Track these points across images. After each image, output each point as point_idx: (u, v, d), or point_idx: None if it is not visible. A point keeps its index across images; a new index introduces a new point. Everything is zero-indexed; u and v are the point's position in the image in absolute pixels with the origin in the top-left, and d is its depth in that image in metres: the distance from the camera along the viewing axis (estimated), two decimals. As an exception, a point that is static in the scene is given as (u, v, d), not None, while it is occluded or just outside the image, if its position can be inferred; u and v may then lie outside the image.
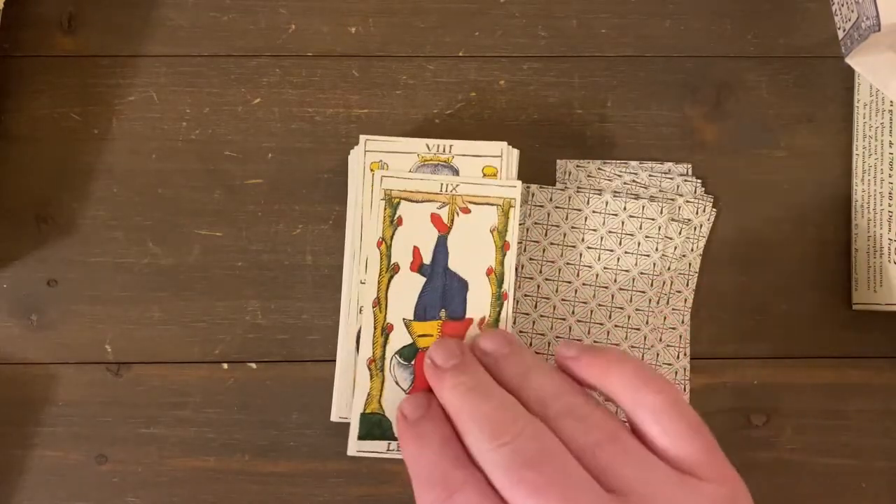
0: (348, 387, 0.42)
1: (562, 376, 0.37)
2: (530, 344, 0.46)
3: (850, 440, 0.47)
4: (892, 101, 0.46)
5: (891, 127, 0.46)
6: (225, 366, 0.46)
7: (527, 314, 0.46)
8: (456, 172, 0.43)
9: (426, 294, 0.41)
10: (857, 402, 0.47)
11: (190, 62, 0.47)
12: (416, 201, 0.41)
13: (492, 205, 0.42)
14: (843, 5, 0.46)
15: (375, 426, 0.41)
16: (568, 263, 0.46)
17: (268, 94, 0.47)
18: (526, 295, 0.45)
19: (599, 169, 0.47)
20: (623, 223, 0.46)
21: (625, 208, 0.46)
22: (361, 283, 0.43)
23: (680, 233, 0.46)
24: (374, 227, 0.41)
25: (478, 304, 0.41)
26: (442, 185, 0.42)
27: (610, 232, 0.46)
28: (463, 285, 0.41)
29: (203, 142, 0.47)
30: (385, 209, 0.41)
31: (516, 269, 0.42)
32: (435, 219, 0.41)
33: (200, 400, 0.46)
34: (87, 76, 0.47)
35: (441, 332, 0.40)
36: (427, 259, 0.41)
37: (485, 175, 0.43)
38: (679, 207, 0.46)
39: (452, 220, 0.41)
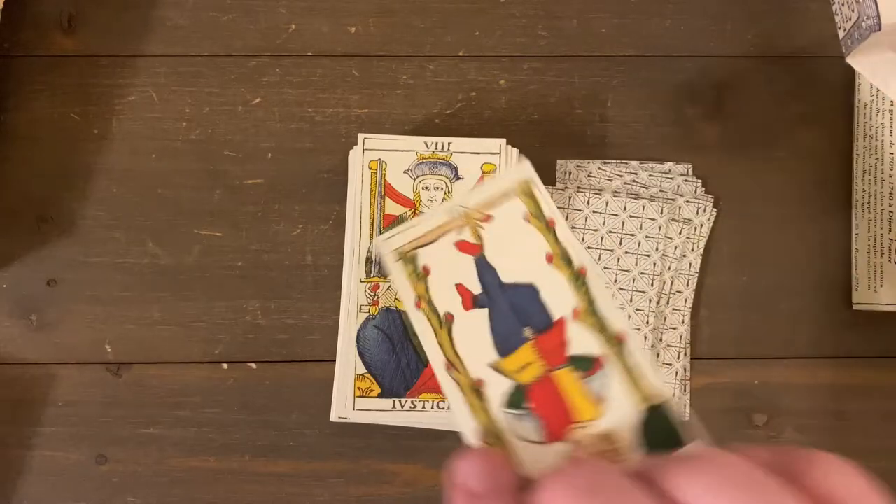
0: (348, 387, 0.42)
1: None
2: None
3: (850, 440, 0.47)
4: (892, 101, 0.46)
5: (891, 127, 0.46)
6: (225, 366, 0.46)
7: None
8: (455, 170, 0.43)
9: (497, 323, 0.34)
10: (858, 402, 0.47)
11: (190, 62, 0.47)
12: (432, 242, 0.36)
13: (510, 196, 0.36)
14: (843, 5, 0.46)
15: None
16: (568, 263, 0.46)
17: (268, 94, 0.47)
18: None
19: (600, 169, 0.47)
20: (623, 223, 0.46)
21: (625, 208, 0.46)
22: (361, 281, 0.43)
23: (680, 233, 0.46)
24: (403, 293, 0.35)
25: (559, 299, 0.34)
26: (448, 212, 0.37)
27: (610, 232, 0.46)
28: (531, 290, 0.35)
29: (203, 142, 0.47)
30: (405, 268, 0.35)
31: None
32: (461, 245, 0.36)
33: (200, 400, 0.46)
34: (87, 76, 0.47)
35: (539, 351, 0.33)
36: (476, 289, 0.35)
37: (484, 172, 0.43)
38: (679, 207, 0.46)
39: (479, 236, 0.36)
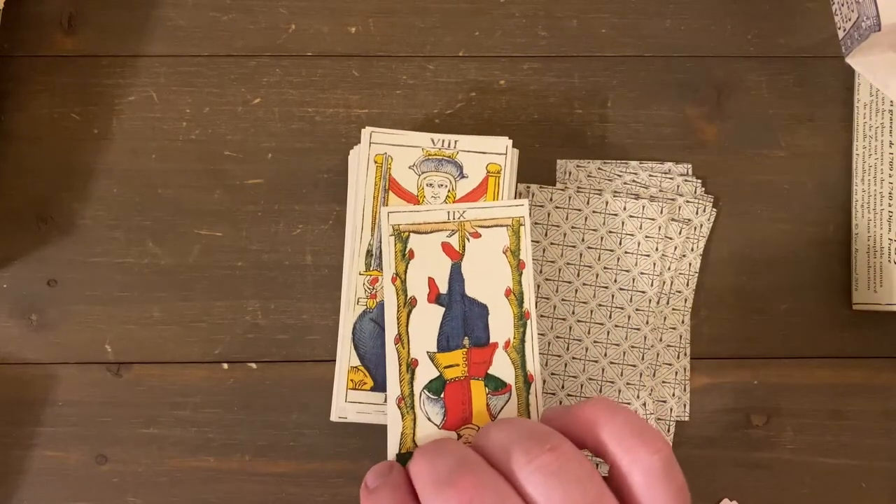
0: (342, 379, 0.42)
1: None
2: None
3: (850, 440, 0.47)
4: (892, 101, 0.46)
5: (891, 127, 0.46)
6: (225, 366, 0.46)
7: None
8: (460, 168, 0.43)
9: (447, 323, 0.40)
10: (858, 402, 0.47)
11: (190, 62, 0.47)
12: (425, 233, 0.41)
13: (501, 226, 0.41)
14: (843, 5, 0.46)
15: None
16: (568, 263, 0.46)
17: (268, 94, 0.47)
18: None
19: (599, 169, 0.47)
20: (623, 223, 0.46)
21: (625, 208, 0.46)
22: (360, 273, 0.43)
23: (680, 233, 0.46)
24: (386, 264, 0.41)
25: (501, 327, 0.40)
26: (449, 213, 0.41)
27: (610, 232, 0.46)
28: (483, 310, 0.40)
29: (203, 142, 0.47)
30: (395, 244, 0.41)
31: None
32: (446, 247, 0.41)
33: (200, 400, 0.46)
34: (87, 76, 0.47)
35: (468, 360, 0.40)
36: (443, 288, 0.40)
37: (489, 173, 0.43)
38: (679, 207, 0.46)
39: (464, 247, 0.41)
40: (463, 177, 0.44)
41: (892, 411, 0.47)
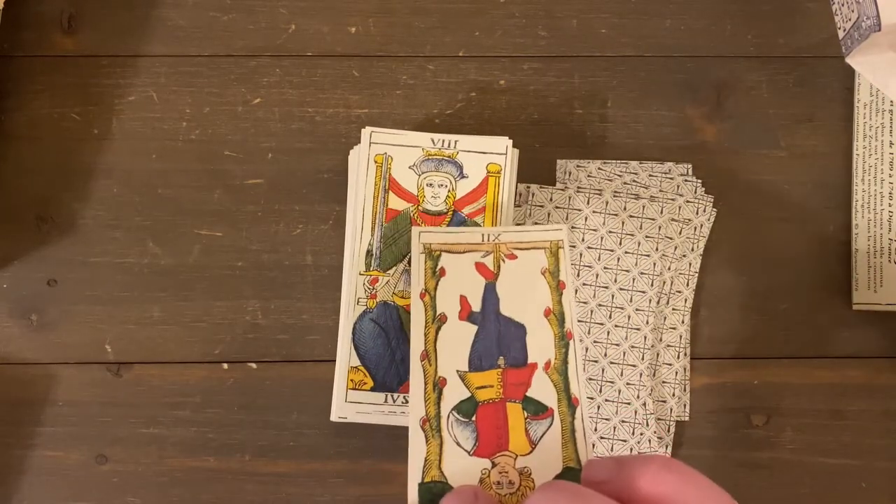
0: (342, 379, 0.42)
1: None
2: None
3: (850, 440, 0.47)
4: (892, 101, 0.46)
5: (891, 127, 0.46)
6: (225, 366, 0.46)
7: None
8: (460, 168, 0.43)
9: (480, 342, 0.37)
10: (858, 402, 0.47)
11: (190, 62, 0.47)
12: (458, 252, 0.39)
13: (539, 248, 0.39)
14: (843, 5, 0.46)
15: (437, 497, 0.35)
16: (568, 263, 0.46)
17: (268, 94, 0.47)
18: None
19: (599, 169, 0.47)
20: (623, 223, 0.46)
21: (625, 208, 0.46)
22: (360, 274, 0.43)
23: (680, 233, 0.46)
24: (415, 279, 0.38)
25: (540, 347, 0.37)
26: (483, 235, 0.39)
27: (610, 232, 0.46)
28: (520, 330, 0.37)
29: (203, 142, 0.47)
30: (426, 262, 0.39)
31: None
32: (480, 267, 0.39)
33: (200, 400, 0.46)
34: (87, 76, 0.47)
35: (503, 381, 0.36)
36: (476, 306, 0.38)
37: (489, 173, 0.43)
38: (679, 207, 0.46)
39: (499, 267, 0.39)
40: (463, 177, 0.44)
41: (893, 411, 0.47)
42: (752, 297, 0.47)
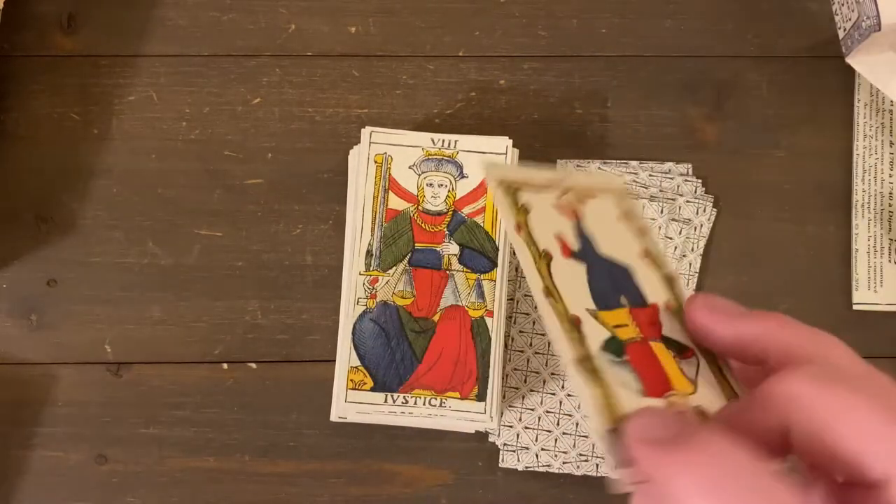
0: (342, 379, 0.42)
1: None
2: (530, 344, 0.46)
3: (850, 440, 0.47)
4: (892, 101, 0.46)
5: (891, 127, 0.46)
6: (225, 366, 0.46)
7: (527, 314, 0.46)
8: (460, 168, 0.43)
9: (595, 281, 0.32)
10: (858, 402, 0.47)
11: (190, 62, 0.47)
12: (535, 189, 0.33)
13: (606, 193, 0.34)
14: (843, 5, 0.46)
15: None
16: (568, 263, 0.46)
17: (268, 94, 0.47)
18: (526, 295, 0.45)
19: (599, 169, 0.47)
20: (623, 223, 0.46)
21: (625, 208, 0.46)
22: (360, 274, 0.43)
23: (680, 233, 0.46)
24: (506, 214, 0.32)
25: (654, 290, 0.32)
26: (549, 178, 0.34)
27: (610, 232, 0.46)
28: (627, 272, 0.33)
29: (203, 141, 0.47)
30: (506, 196, 0.33)
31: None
32: (561, 206, 0.33)
33: (200, 400, 0.46)
34: (87, 76, 0.47)
35: (636, 321, 0.32)
36: (575, 246, 0.33)
37: None
38: (679, 207, 0.46)
39: (579, 209, 0.34)
40: (463, 176, 0.44)
41: (893, 411, 0.47)
42: (753, 297, 0.47)
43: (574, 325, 0.30)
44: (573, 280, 0.32)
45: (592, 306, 0.31)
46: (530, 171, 0.34)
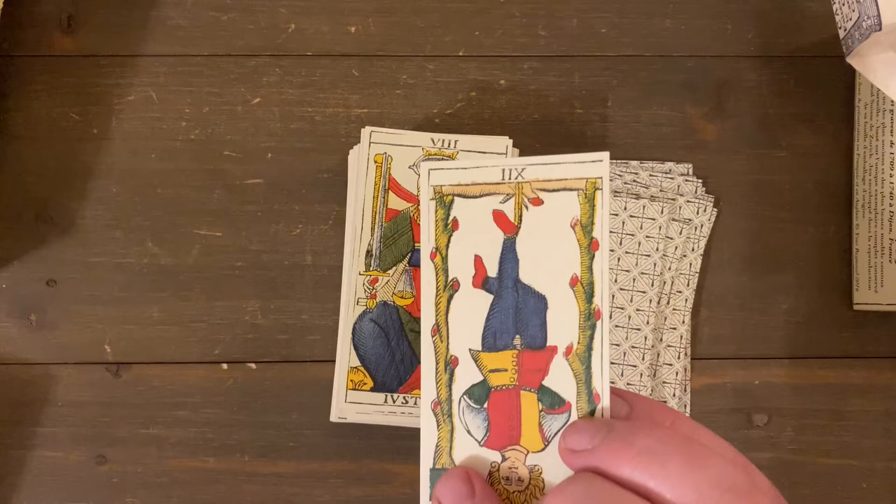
0: (342, 380, 0.42)
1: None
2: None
3: (851, 440, 0.47)
4: (892, 101, 0.46)
5: (892, 127, 0.45)
6: (224, 366, 0.46)
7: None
8: None
9: (495, 316, 0.32)
10: (858, 402, 0.47)
11: (189, 62, 0.47)
12: (473, 196, 0.32)
13: (571, 189, 0.32)
14: (843, 5, 0.46)
15: None
16: (568, 263, 0.45)
17: (267, 94, 0.47)
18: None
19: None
20: (623, 223, 0.46)
21: (625, 208, 0.46)
22: (360, 274, 0.43)
23: (681, 233, 0.46)
24: (425, 235, 0.32)
25: (562, 327, 0.31)
26: (504, 171, 0.32)
27: (610, 232, 0.46)
28: (541, 302, 0.32)
29: (202, 141, 0.47)
30: (437, 210, 0.32)
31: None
32: (498, 217, 0.32)
33: (200, 400, 0.46)
34: (87, 76, 0.47)
35: (518, 365, 0.31)
36: (493, 271, 0.32)
37: None
38: (680, 207, 0.46)
39: (521, 217, 0.32)
40: (463, 176, 0.44)
41: (894, 411, 0.47)
42: (753, 297, 0.47)
43: (450, 366, 0.32)
44: (471, 314, 0.32)
45: (478, 346, 0.32)
46: (479, 169, 0.32)
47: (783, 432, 0.47)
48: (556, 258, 0.32)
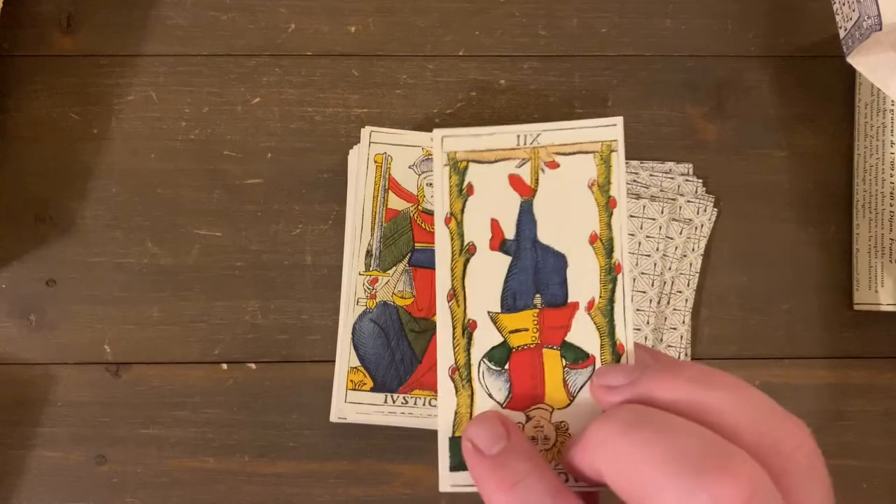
0: (342, 380, 0.42)
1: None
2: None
3: (851, 440, 0.47)
4: (893, 101, 0.45)
5: (892, 127, 0.45)
6: (224, 366, 0.46)
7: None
8: None
9: (514, 277, 0.32)
10: (859, 402, 0.47)
11: (189, 61, 0.47)
12: (488, 162, 0.32)
13: (587, 152, 0.32)
14: (843, 5, 0.46)
15: None
16: (568, 263, 0.45)
17: (267, 94, 0.47)
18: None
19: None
20: (623, 223, 0.46)
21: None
22: (360, 274, 0.43)
23: (681, 233, 0.46)
24: (439, 201, 0.32)
25: (583, 283, 0.32)
26: (519, 137, 0.32)
27: (610, 232, 0.46)
28: (560, 261, 0.32)
29: (202, 141, 0.47)
30: (450, 176, 0.32)
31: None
32: (514, 181, 0.32)
33: (200, 400, 0.46)
34: (87, 76, 0.47)
35: (540, 323, 0.32)
36: (510, 233, 0.32)
37: None
38: (680, 207, 0.46)
39: (537, 180, 0.32)
40: (463, 176, 0.44)
41: (894, 411, 0.47)
42: (753, 297, 0.47)
43: (467, 330, 0.32)
44: (489, 277, 0.32)
45: (497, 308, 0.32)
46: (494, 135, 0.33)
47: (783, 432, 0.47)
48: (574, 217, 0.32)
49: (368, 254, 0.43)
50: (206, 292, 0.46)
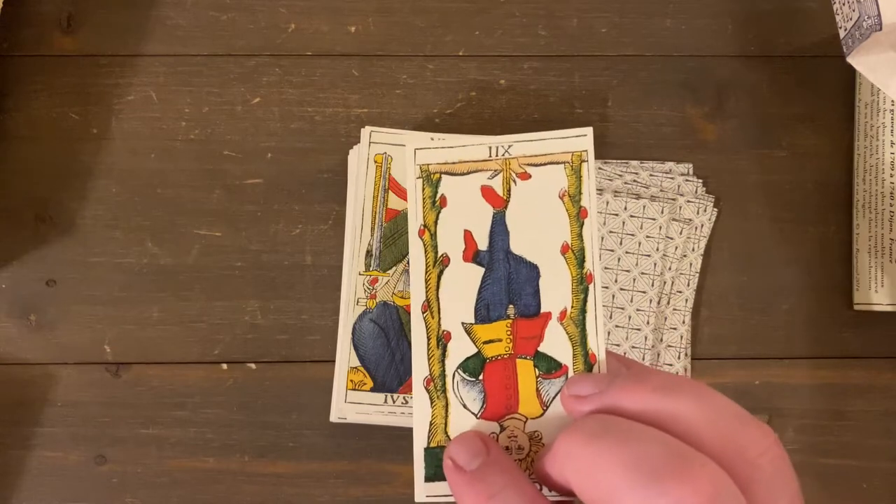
0: (342, 380, 0.42)
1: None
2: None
3: (851, 440, 0.47)
4: (893, 101, 0.45)
5: (892, 127, 0.45)
6: (224, 366, 0.46)
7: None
8: None
9: (487, 288, 0.32)
10: (859, 402, 0.47)
11: (189, 61, 0.47)
12: (461, 174, 0.33)
13: (557, 163, 0.33)
14: (844, 5, 0.46)
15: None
16: (568, 263, 0.46)
17: (267, 94, 0.47)
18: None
19: (600, 169, 0.47)
20: (624, 223, 0.46)
21: (625, 208, 0.46)
22: (360, 274, 0.43)
23: (681, 233, 0.46)
24: (412, 213, 0.33)
25: (555, 293, 0.32)
26: (490, 148, 0.33)
27: (611, 232, 0.46)
28: (533, 271, 0.33)
29: (202, 141, 0.47)
30: (423, 188, 0.33)
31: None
32: (487, 192, 0.33)
33: (200, 400, 0.46)
34: (87, 76, 0.47)
35: (513, 334, 0.32)
36: (483, 244, 0.33)
37: None
38: (680, 207, 0.46)
39: (509, 191, 0.33)
40: (463, 176, 0.44)
41: (894, 411, 0.47)
42: (753, 297, 0.47)
43: (442, 341, 0.32)
44: (462, 288, 0.32)
45: (471, 319, 0.32)
46: (466, 147, 0.33)
47: (783, 432, 0.47)
48: (546, 228, 0.33)
49: (368, 254, 0.43)
50: (205, 292, 0.46)
